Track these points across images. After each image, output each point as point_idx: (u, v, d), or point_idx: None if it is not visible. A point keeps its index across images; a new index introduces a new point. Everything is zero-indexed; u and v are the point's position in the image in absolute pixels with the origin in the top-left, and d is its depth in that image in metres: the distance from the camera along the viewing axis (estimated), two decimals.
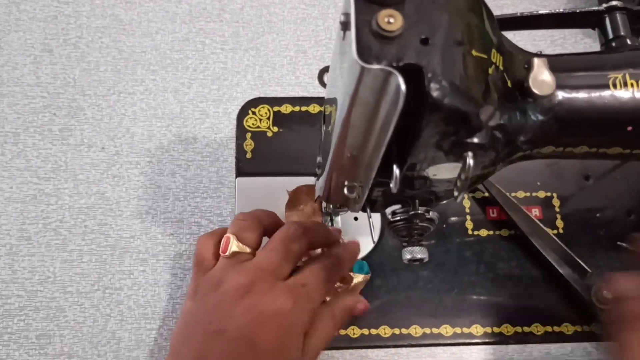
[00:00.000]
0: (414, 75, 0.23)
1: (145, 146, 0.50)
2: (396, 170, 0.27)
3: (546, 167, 0.51)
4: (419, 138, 0.25)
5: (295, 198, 0.47)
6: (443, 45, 0.23)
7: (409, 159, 0.27)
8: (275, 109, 0.51)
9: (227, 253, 0.37)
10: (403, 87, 0.21)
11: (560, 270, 0.45)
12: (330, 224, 0.46)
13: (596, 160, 0.51)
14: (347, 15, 0.24)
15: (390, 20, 0.23)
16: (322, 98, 0.52)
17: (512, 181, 0.49)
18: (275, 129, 0.50)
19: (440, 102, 0.23)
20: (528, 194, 0.50)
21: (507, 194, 0.48)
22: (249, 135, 0.50)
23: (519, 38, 0.55)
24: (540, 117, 0.28)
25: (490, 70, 0.26)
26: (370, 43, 0.23)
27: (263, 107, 0.51)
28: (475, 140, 0.24)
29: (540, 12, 0.33)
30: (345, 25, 0.24)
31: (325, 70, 0.40)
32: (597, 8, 0.33)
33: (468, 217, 0.49)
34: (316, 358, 0.37)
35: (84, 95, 0.51)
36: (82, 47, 0.52)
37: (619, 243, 0.48)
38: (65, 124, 0.50)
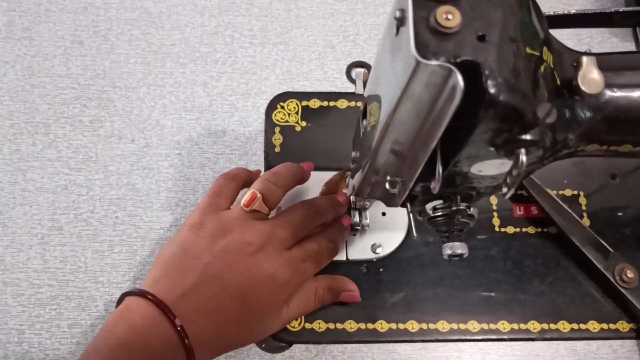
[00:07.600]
0: (468, 72, 0.23)
1: (174, 139, 0.50)
2: (439, 169, 0.28)
3: (572, 166, 0.51)
4: (471, 135, 0.25)
5: (330, 190, 0.47)
6: (499, 42, 0.24)
7: (457, 156, 0.27)
8: (304, 103, 0.51)
9: (248, 208, 0.39)
10: (462, 83, 0.22)
11: (583, 250, 0.46)
12: (359, 219, 0.46)
13: (623, 159, 0.51)
14: (402, 11, 0.24)
15: (449, 16, 0.23)
16: (350, 93, 0.52)
17: (539, 179, 0.49)
18: (304, 123, 0.51)
19: (497, 99, 0.23)
20: (555, 192, 0.50)
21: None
22: (277, 129, 0.50)
23: None
24: (588, 115, 0.28)
25: (541, 68, 0.26)
26: (428, 39, 0.23)
27: (291, 102, 0.51)
28: (529, 137, 0.24)
29: (587, 11, 0.33)
30: (400, 21, 0.24)
31: (353, 65, 0.40)
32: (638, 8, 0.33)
33: (495, 214, 0.49)
34: (285, 325, 0.41)
35: (114, 87, 0.51)
36: (111, 39, 0.53)
37: None
38: (95, 115, 0.50)
